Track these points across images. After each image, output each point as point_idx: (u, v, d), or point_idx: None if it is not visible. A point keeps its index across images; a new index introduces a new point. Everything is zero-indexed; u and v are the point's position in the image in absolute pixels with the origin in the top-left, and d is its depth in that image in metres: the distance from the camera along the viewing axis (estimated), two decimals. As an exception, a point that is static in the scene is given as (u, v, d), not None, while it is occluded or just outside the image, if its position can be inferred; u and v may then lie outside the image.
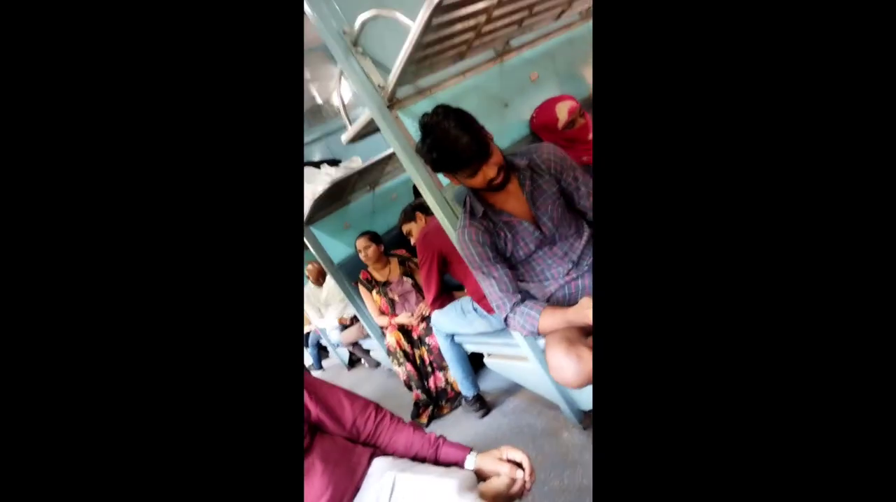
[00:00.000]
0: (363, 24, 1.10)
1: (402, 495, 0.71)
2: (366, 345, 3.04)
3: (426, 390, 2.05)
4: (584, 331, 0.99)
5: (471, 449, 0.82)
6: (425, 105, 1.04)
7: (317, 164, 2.34)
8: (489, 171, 0.99)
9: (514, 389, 1.85)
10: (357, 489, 0.73)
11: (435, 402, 2.03)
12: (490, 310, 1.46)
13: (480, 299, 1.47)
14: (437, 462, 0.81)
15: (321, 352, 4.10)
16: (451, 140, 0.94)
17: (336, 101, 2.30)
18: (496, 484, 0.76)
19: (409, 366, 2.05)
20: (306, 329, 4.14)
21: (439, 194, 1.21)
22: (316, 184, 2.23)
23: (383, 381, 2.87)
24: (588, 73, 1.61)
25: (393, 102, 1.19)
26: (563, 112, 1.31)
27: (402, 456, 0.81)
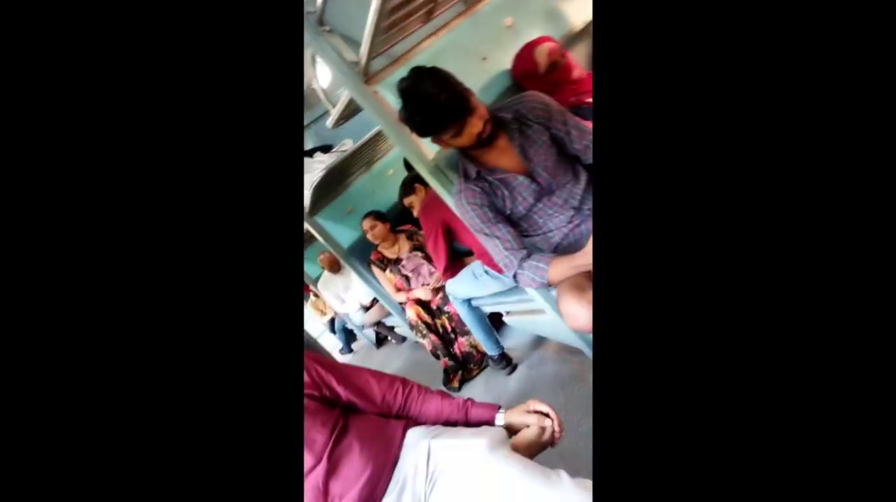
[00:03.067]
0: (325, 0, 1.07)
1: (438, 460, 0.74)
2: (389, 322, 3.10)
3: (453, 356, 2.09)
4: (592, 276, 0.99)
5: (499, 407, 0.84)
6: (402, 73, 1.01)
7: (309, 153, 2.33)
8: (474, 127, 0.97)
9: (537, 342, 1.88)
10: (396, 460, 0.76)
11: (463, 366, 2.08)
12: (500, 271, 1.47)
13: (490, 261, 1.47)
14: (468, 424, 0.83)
15: (349, 335, 4.20)
16: (430, 100, 0.93)
17: (316, 86, 2.25)
18: (527, 434, 0.79)
19: (432, 337, 2.10)
20: (329, 315, 4.23)
21: (430, 163, 1.19)
22: (312, 173, 2.22)
23: (411, 354, 2.95)
24: (566, 8, 1.54)
25: (369, 77, 1.16)
26: (542, 56, 1.26)
27: (433, 423, 0.84)
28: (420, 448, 0.76)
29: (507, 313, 1.68)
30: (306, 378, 0.81)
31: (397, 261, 2.29)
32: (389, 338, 3.45)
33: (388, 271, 2.29)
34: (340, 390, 0.83)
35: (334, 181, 2.34)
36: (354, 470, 0.73)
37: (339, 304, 3.42)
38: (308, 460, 0.73)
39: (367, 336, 3.79)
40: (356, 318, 3.41)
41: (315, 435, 0.74)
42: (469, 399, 0.86)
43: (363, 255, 2.42)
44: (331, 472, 0.73)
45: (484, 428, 0.80)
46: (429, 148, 1.20)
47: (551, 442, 0.80)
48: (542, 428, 0.79)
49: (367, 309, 3.23)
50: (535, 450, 0.78)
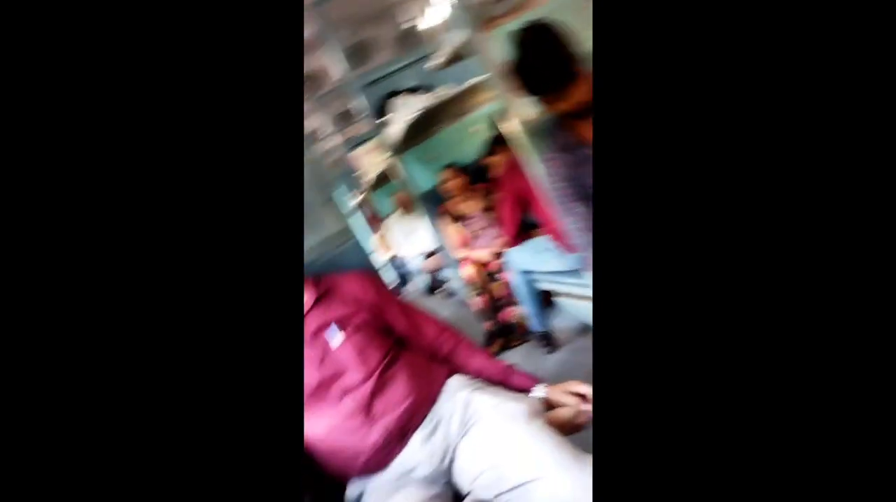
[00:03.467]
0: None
1: (475, 411, 0.77)
2: (444, 274, 3.17)
3: (497, 322, 2.11)
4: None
5: (539, 380, 0.85)
6: (520, 24, 0.96)
7: (413, 90, 2.34)
8: (581, 94, 0.92)
9: (584, 329, 1.84)
10: (434, 400, 0.80)
11: (505, 334, 2.10)
12: (570, 249, 1.43)
13: (558, 238, 1.43)
14: (506, 388, 0.85)
15: (403, 277, 4.36)
16: (543, 57, 0.89)
17: (422, 27, 2.22)
18: (563, 413, 0.79)
19: (482, 299, 2.12)
20: (391, 254, 4.40)
21: (526, 124, 1.15)
22: (408, 111, 2.24)
23: (457, 310, 3.01)
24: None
25: (486, 22, 1.12)
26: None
27: (474, 378, 0.87)
28: (460, 396, 0.80)
29: (561, 294, 1.65)
30: (373, 299, 0.86)
31: (466, 217, 2.30)
32: (440, 289, 3.54)
33: (455, 225, 2.31)
34: (398, 321, 0.87)
35: (426, 124, 2.35)
36: (398, 396, 0.78)
37: (401, 245, 3.54)
38: (358, 374, 0.78)
39: (419, 281, 3.91)
40: (414, 262, 3.53)
41: (370, 354, 0.80)
42: (512, 364, 0.88)
43: (436, 203, 2.45)
44: (377, 391, 0.77)
45: (523, 395, 0.81)
46: (529, 109, 1.15)
47: (584, 425, 0.80)
48: (579, 411, 0.79)
49: (427, 256, 3.31)
50: (565, 431, 0.78)
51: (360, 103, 2.56)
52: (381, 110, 2.53)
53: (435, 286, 3.69)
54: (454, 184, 2.25)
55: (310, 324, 0.81)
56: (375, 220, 4.58)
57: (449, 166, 2.27)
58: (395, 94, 2.42)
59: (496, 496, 0.67)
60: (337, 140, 3.71)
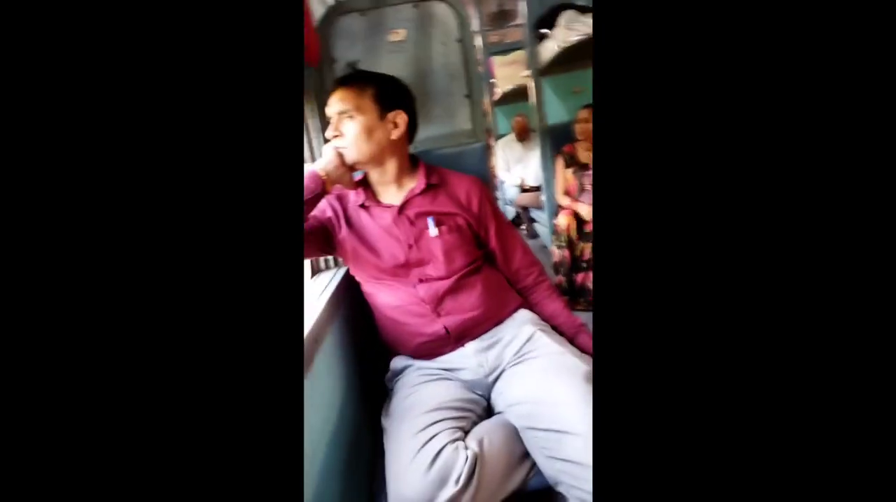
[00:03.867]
0: None
1: (535, 348, 0.77)
2: (534, 214, 3.08)
3: (571, 281, 2.06)
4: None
5: None
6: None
7: (581, 10, 2.09)
8: None
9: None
10: (499, 321, 0.82)
11: (572, 295, 2.05)
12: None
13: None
14: (572, 343, 0.84)
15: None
16: None
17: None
18: None
19: (566, 253, 2.05)
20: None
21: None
22: (570, 31, 2.03)
23: (535, 253, 2.96)
24: None
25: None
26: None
27: (544, 319, 0.86)
28: (526, 328, 0.80)
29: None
30: (477, 208, 0.85)
31: (585, 166, 2.15)
32: (524, 226, 3.47)
33: (570, 170, 2.18)
34: (492, 236, 0.87)
35: (582, 52, 2.12)
36: (469, 303, 0.80)
37: (503, 170, 3.44)
38: (440, 270, 0.80)
39: (505, 211, 3.86)
40: (509, 192, 3.45)
41: (457, 256, 0.81)
42: (585, 324, 0.86)
43: (559, 141, 2.30)
44: (451, 291, 0.80)
45: (587, 355, 0.80)
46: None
47: None
48: None
49: (524, 190, 3.21)
50: None
51: (521, 7, 2.35)
52: (541, 22, 2.31)
53: (518, 222, 3.64)
54: (588, 126, 2.07)
55: (412, 207, 0.83)
56: (486, 136, 4.46)
57: (591, 106, 2.08)
58: (563, 7, 2.18)
59: (527, 428, 0.70)
60: (480, 40, 3.50)
